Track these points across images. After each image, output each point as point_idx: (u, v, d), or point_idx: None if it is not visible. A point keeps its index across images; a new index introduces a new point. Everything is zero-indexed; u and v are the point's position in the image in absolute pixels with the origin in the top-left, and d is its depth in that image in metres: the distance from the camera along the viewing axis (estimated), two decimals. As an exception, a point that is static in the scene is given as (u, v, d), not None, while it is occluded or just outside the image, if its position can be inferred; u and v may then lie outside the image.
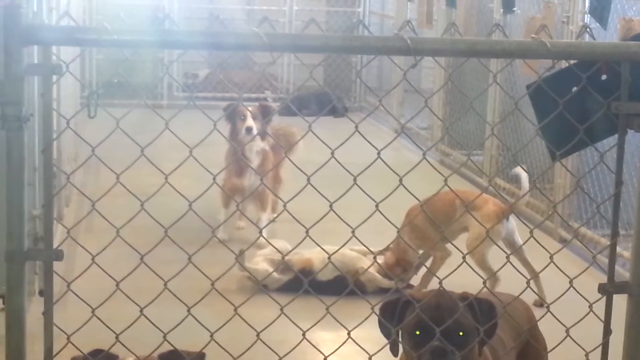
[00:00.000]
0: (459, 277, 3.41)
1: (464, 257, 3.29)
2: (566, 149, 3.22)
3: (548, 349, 3.64)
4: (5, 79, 2.56)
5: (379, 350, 3.18)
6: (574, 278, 3.27)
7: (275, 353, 3.15)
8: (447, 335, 3.03)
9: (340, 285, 6.11)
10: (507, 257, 3.23)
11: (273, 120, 8.30)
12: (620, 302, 3.15)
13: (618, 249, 4.60)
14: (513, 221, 6.31)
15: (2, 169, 2.64)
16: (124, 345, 2.98)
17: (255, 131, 7.39)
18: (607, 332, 3.18)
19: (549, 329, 3.79)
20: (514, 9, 9.07)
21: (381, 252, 6.39)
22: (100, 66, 13.51)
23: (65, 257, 2.83)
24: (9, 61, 2.56)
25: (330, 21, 15.00)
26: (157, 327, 3.01)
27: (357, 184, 3.04)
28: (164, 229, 3.04)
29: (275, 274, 6.36)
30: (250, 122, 7.43)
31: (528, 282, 3.34)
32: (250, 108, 7.54)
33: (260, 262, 6.49)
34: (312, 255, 6.35)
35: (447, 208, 6.18)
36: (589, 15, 7.46)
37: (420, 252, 6.34)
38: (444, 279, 3.27)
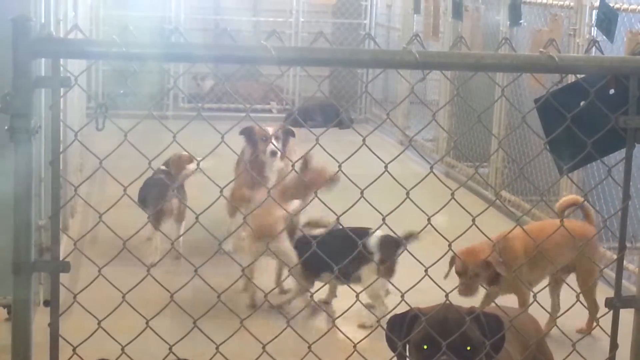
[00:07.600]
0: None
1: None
2: (574, 163, 3.22)
3: (555, 363, 3.64)
4: (14, 92, 2.56)
5: (386, 364, 3.17)
6: (581, 292, 3.26)
7: (282, 366, 3.14)
8: (455, 349, 3.02)
9: None
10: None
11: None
12: (628, 316, 3.14)
13: (624, 262, 4.57)
14: None
15: (10, 181, 2.64)
16: (130, 357, 2.98)
17: (279, 155, 7.38)
18: (613, 346, 3.17)
19: (556, 343, 3.78)
20: (521, 21, 9.07)
21: None
22: (107, 77, 13.52)
23: (70, 267, 2.83)
24: (18, 74, 2.57)
25: (337, 33, 15.00)
26: (163, 339, 3.00)
27: (364, 197, 3.04)
28: (171, 242, 3.04)
29: None
30: (273, 147, 7.40)
31: (535, 296, 3.34)
32: (270, 129, 7.51)
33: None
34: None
35: (563, 243, 4.92)
36: (595, 28, 7.45)
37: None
38: (450, 292, 3.26)
